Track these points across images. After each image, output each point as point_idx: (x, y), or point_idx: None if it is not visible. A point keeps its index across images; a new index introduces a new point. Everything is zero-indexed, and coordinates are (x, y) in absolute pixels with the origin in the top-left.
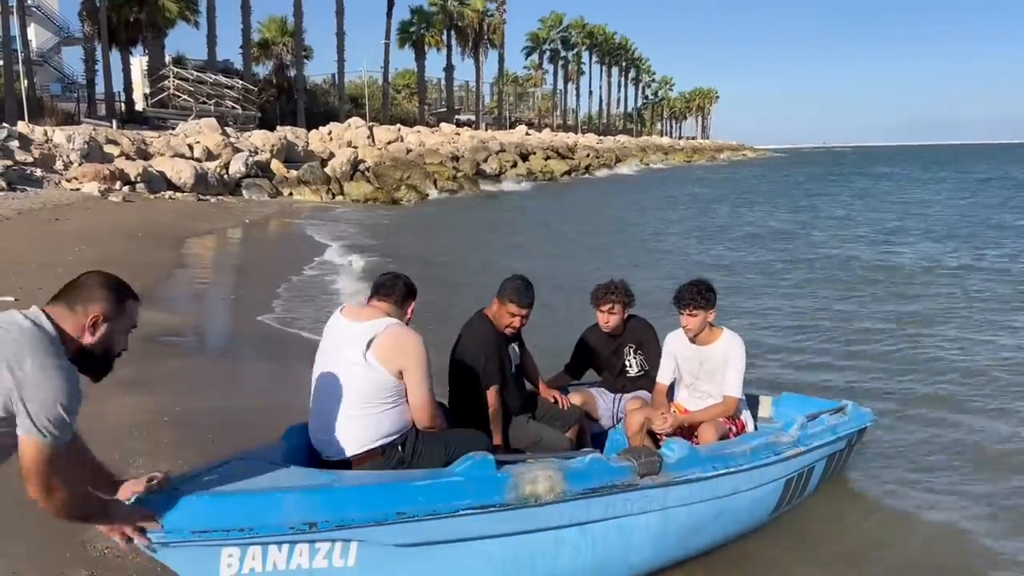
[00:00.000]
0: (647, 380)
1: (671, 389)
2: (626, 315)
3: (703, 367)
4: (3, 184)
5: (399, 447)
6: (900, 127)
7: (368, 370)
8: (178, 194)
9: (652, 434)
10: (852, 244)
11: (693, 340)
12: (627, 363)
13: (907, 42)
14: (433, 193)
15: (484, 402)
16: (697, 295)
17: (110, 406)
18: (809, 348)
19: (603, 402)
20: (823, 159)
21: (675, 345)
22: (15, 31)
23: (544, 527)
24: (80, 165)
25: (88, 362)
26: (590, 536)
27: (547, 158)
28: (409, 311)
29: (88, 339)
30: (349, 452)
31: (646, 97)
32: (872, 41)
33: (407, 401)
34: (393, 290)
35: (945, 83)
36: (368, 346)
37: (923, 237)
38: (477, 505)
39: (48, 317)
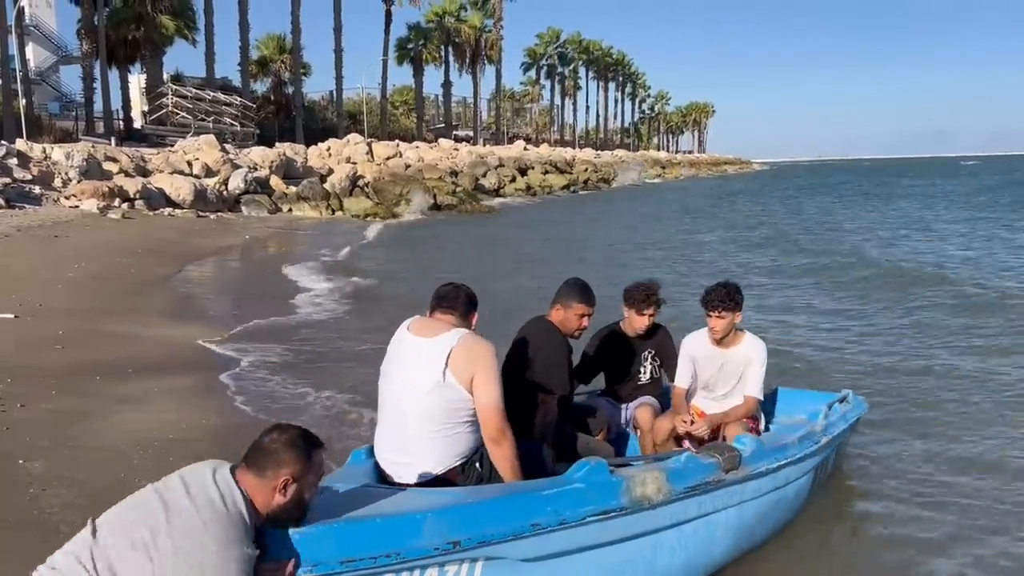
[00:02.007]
0: (652, 387)
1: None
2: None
3: (723, 369)
4: (2, 201)
5: (476, 464)
6: (894, 140)
7: (447, 389)
8: (177, 211)
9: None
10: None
11: (718, 342)
12: (642, 369)
13: (900, 55)
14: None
15: (536, 407)
16: (726, 297)
17: (113, 424)
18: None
19: (608, 408)
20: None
21: (694, 348)
22: (13, 50)
23: (650, 530)
24: (79, 182)
25: (282, 518)
26: (683, 535)
27: (545, 172)
28: (472, 323)
29: (280, 500)
30: (430, 475)
31: (643, 112)
32: (864, 55)
33: None
34: (456, 302)
35: (939, 96)
36: (447, 363)
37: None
38: (599, 512)
39: (238, 483)
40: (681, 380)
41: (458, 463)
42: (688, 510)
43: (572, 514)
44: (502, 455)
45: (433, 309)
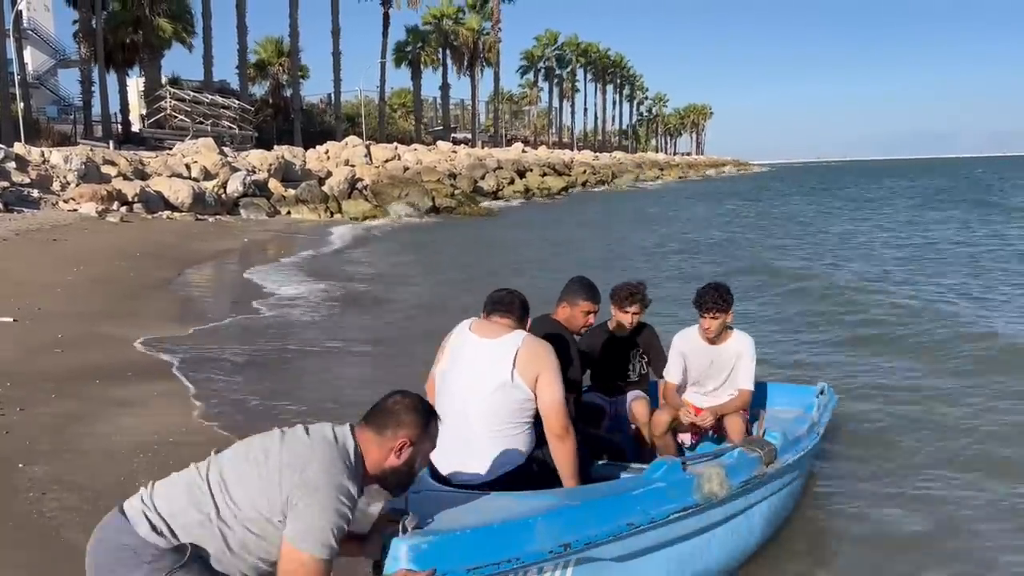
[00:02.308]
0: (641, 383)
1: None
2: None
3: (713, 365)
4: (0, 205)
5: (533, 465)
6: (894, 141)
7: (514, 389)
8: (176, 214)
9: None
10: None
11: (711, 341)
12: (631, 367)
13: (900, 55)
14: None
15: None
16: (719, 299)
17: (113, 427)
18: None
19: (603, 403)
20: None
21: (685, 345)
22: (11, 54)
23: (712, 524)
24: (77, 186)
25: (391, 481)
26: (729, 528)
27: (544, 175)
28: (527, 328)
29: (394, 461)
30: (490, 476)
31: (641, 114)
32: (863, 55)
33: None
34: (512, 307)
35: (940, 97)
36: (514, 364)
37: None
38: (679, 509)
39: (354, 438)
40: (673, 375)
41: (518, 464)
42: (738, 504)
43: (658, 513)
44: (566, 452)
45: (490, 312)
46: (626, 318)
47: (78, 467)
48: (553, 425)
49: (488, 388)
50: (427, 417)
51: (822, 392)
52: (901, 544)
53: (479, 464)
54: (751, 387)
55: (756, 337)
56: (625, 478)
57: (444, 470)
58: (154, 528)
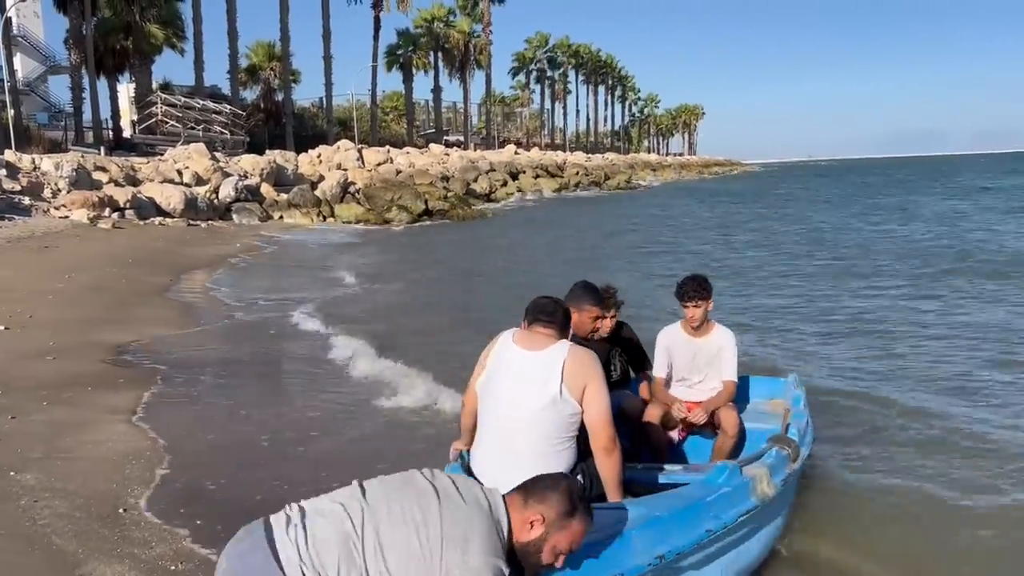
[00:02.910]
0: (623, 383)
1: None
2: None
3: (695, 359)
4: None
5: (579, 477)
6: (885, 139)
7: (563, 404)
8: (168, 220)
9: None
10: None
11: (694, 331)
12: (612, 366)
13: (891, 55)
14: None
15: None
16: (699, 287)
17: (104, 433)
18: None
19: None
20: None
21: (670, 340)
22: (1, 61)
23: (763, 524)
24: (69, 192)
25: (526, 560)
26: (770, 527)
27: (537, 176)
28: (568, 338)
29: (523, 536)
30: None
31: (632, 115)
32: (856, 55)
33: None
34: (555, 316)
35: (930, 95)
36: (562, 378)
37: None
38: (744, 512)
39: (505, 505)
40: (659, 370)
41: None
42: (778, 502)
43: (728, 518)
44: (613, 466)
45: (532, 322)
46: (607, 323)
47: (70, 474)
48: (601, 438)
49: (537, 404)
50: (572, 506)
51: (795, 383)
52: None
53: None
54: (736, 379)
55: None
56: (690, 484)
57: (490, 485)
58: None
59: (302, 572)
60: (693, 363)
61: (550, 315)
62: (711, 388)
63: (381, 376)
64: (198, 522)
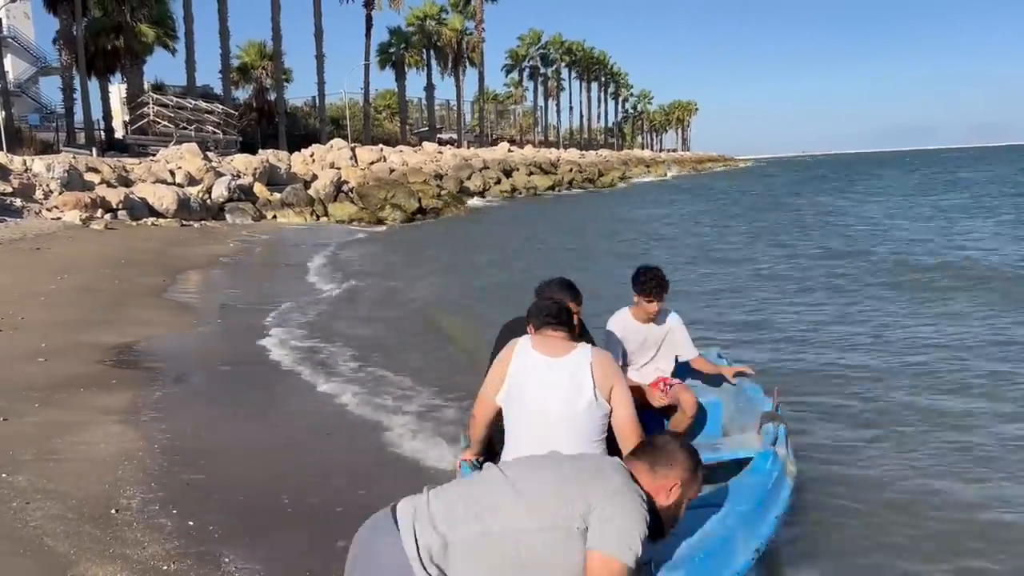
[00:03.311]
0: None
1: None
2: None
3: (645, 343)
4: None
5: None
6: (878, 134)
7: (597, 407)
8: (161, 220)
9: None
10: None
11: (646, 318)
12: None
13: (885, 50)
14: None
15: None
16: (663, 284)
17: (97, 435)
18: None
19: None
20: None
21: (623, 326)
22: None
23: (787, 504)
24: (60, 194)
25: (655, 522)
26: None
27: (530, 174)
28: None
29: (663, 501)
30: None
31: (626, 111)
32: (849, 49)
33: None
34: (561, 317)
35: (924, 90)
36: (593, 381)
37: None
38: (788, 494)
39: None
40: (616, 358)
41: None
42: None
43: (784, 501)
44: None
45: (540, 326)
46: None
47: (62, 476)
48: (631, 438)
49: (574, 410)
50: (697, 463)
51: (719, 355)
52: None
53: None
54: (697, 355)
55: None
56: (752, 474)
57: None
58: (428, 559)
59: (413, 529)
60: (642, 347)
61: (556, 316)
62: (656, 369)
63: (371, 375)
64: (190, 522)
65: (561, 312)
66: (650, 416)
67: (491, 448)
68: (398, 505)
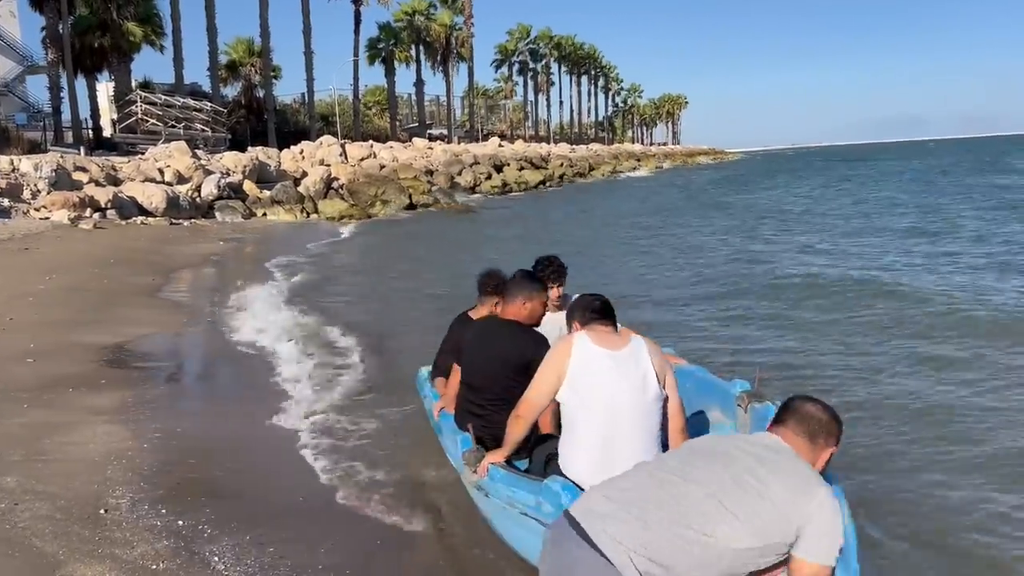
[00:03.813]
0: None
1: None
2: None
3: (561, 333)
4: None
5: None
6: (871, 126)
7: (660, 397)
8: (150, 219)
9: None
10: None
11: (556, 308)
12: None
13: (878, 42)
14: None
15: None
16: (563, 269)
17: (86, 436)
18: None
19: None
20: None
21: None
22: None
23: None
24: (48, 194)
25: None
26: None
27: (521, 169)
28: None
29: (818, 470)
30: None
31: (616, 105)
32: (843, 42)
33: None
34: (606, 310)
35: (916, 82)
36: (655, 369)
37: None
38: None
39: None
40: None
41: None
42: None
43: None
44: None
45: (586, 322)
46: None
47: (51, 476)
48: (680, 423)
49: (645, 401)
50: (842, 425)
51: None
52: None
53: None
54: None
55: None
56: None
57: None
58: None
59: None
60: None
61: (600, 312)
62: None
63: (362, 369)
64: (180, 522)
65: (604, 306)
66: None
67: (481, 443)
68: (581, 518)
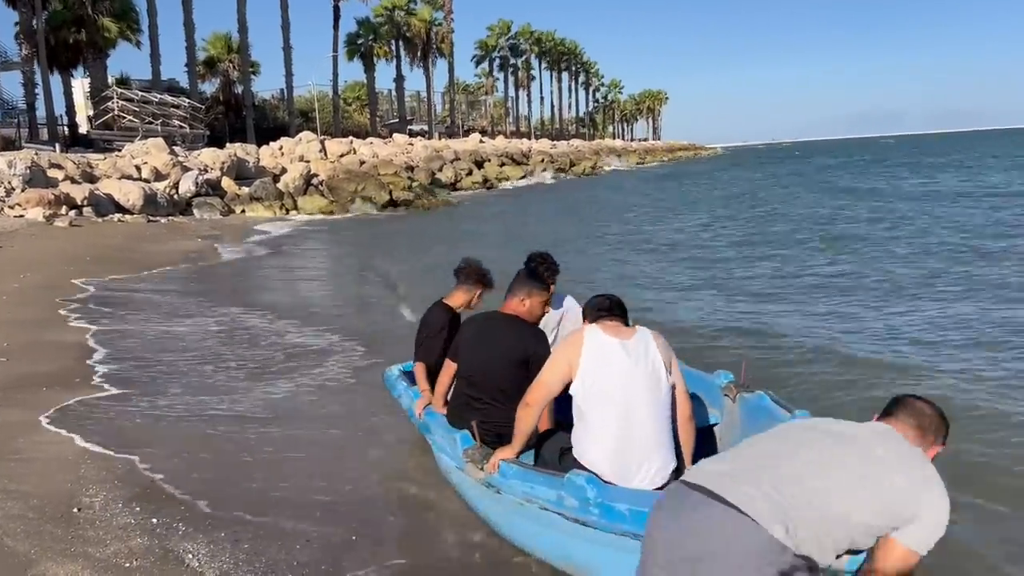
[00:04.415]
0: None
1: None
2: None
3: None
4: None
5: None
6: (849, 121)
7: (669, 384)
8: (127, 216)
9: None
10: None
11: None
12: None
13: (855, 36)
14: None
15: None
16: (554, 266)
17: (60, 435)
18: None
19: None
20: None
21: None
22: None
23: None
24: (23, 191)
25: None
26: None
27: (502, 164)
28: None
29: None
30: (669, 472)
31: (596, 101)
32: (820, 36)
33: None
34: (615, 308)
35: (894, 77)
36: (662, 357)
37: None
38: None
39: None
40: None
41: (677, 454)
42: None
43: None
44: (693, 433)
45: (597, 319)
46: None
47: (24, 476)
48: (687, 408)
49: (658, 387)
50: (949, 428)
51: None
52: None
53: (667, 462)
54: None
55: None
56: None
57: (618, 476)
58: (787, 530)
59: (779, 518)
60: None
61: (607, 310)
62: None
63: (340, 360)
64: (153, 520)
65: (612, 305)
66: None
67: (482, 439)
68: (706, 482)
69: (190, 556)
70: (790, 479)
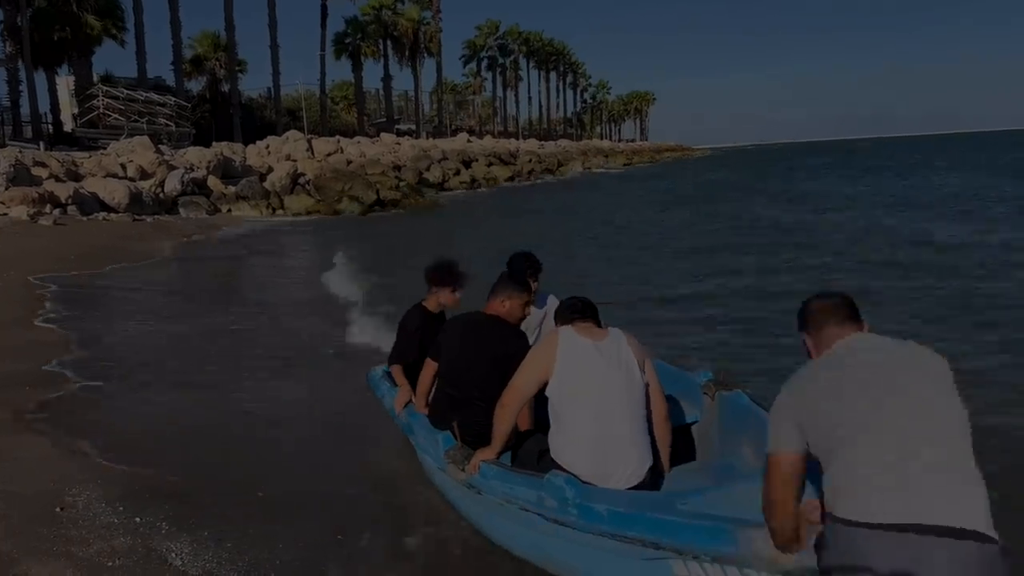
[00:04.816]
0: None
1: None
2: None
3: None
4: None
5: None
6: (836, 122)
7: (643, 382)
8: (112, 215)
9: None
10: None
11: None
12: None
13: (841, 39)
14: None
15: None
16: (538, 264)
17: (44, 434)
18: None
19: None
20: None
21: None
22: None
23: None
24: (7, 189)
25: None
26: None
27: (490, 164)
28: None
29: None
30: (642, 472)
31: (584, 101)
32: (805, 38)
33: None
34: (587, 310)
35: (881, 79)
36: (634, 357)
37: None
38: None
39: None
40: None
41: (653, 454)
42: None
43: None
44: (670, 433)
45: (570, 320)
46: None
47: (7, 475)
48: (662, 408)
49: (632, 386)
50: None
51: None
52: None
53: (643, 461)
54: None
55: None
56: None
57: (596, 477)
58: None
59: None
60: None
61: (580, 312)
62: None
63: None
64: (137, 519)
65: (586, 307)
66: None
67: (464, 440)
68: (916, 516)
69: (173, 555)
70: (933, 466)
